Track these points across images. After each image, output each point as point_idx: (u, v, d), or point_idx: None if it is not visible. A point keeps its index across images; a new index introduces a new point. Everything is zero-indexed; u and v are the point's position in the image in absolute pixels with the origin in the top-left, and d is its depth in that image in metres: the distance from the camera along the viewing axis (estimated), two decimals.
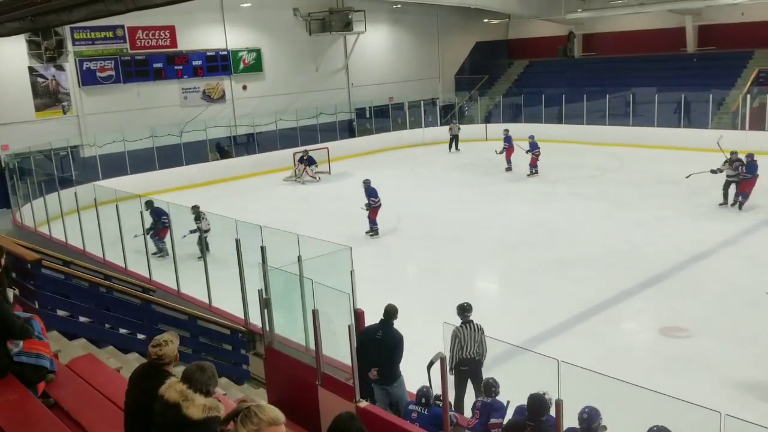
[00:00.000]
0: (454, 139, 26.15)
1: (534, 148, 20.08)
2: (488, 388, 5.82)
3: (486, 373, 6.47)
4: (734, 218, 14.17)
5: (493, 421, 5.46)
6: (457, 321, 7.00)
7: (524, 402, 5.38)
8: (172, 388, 3.34)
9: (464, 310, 6.99)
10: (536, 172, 20.18)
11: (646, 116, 24.73)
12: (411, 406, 5.90)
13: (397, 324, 6.61)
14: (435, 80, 32.18)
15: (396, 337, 6.50)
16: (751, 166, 15.02)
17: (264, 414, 2.46)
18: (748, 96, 22.92)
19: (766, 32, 25.27)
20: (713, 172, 15.43)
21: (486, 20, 32.10)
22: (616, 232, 13.86)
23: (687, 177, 15.70)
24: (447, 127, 26.92)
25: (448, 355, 6.33)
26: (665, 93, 24.63)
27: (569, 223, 14.84)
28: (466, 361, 6.83)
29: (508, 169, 21.10)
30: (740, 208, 14.96)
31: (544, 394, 5.02)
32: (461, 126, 26.89)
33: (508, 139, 21.16)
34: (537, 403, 4.88)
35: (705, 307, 9.82)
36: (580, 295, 10.36)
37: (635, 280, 10.93)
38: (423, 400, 5.79)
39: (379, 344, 6.45)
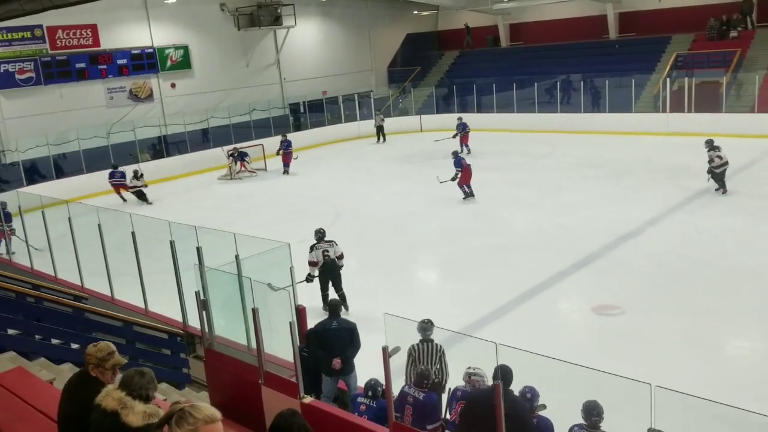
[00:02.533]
0: (380, 130, 26.31)
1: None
2: (420, 379, 5.54)
3: None
4: (659, 197, 14.78)
5: (429, 427, 5.33)
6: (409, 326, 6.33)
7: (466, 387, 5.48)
8: (110, 396, 3.25)
9: (424, 328, 6.40)
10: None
11: (573, 103, 25.51)
12: (359, 399, 5.92)
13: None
14: (368, 73, 32.23)
15: (351, 324, 6.79)
16: (456, 161, 16.29)
17: (199, 413, 2.39)
18: (668, 80, 23.92)
19: (681, 18, 26.40)
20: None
21: (415, 12, 32.35)
22: (548, 217, 14.25)
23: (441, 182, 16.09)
24: (402, 120, 27.24)
25: (404, 373, 6.21)
26: (590, 80, 25.45)
27: (503, 210, 15.17)
28: None
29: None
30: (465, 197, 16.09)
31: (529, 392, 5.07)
32: (385, 117, 27.04)
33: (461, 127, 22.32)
34: (502, 374, 4.90)
35: (635, 285, 10.22)
36: (516, 280, 10.61)
37: (568, 261, 11.27)
38: (371, 393, 5.83)
39: (336, 334, 6.63)
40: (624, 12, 28.68)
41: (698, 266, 10.78)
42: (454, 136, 22.42)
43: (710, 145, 14.69)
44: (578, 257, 11.47)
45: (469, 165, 16.29)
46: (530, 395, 4.93)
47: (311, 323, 7.13)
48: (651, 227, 12.95)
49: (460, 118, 22.89)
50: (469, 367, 5.64)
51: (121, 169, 19.27)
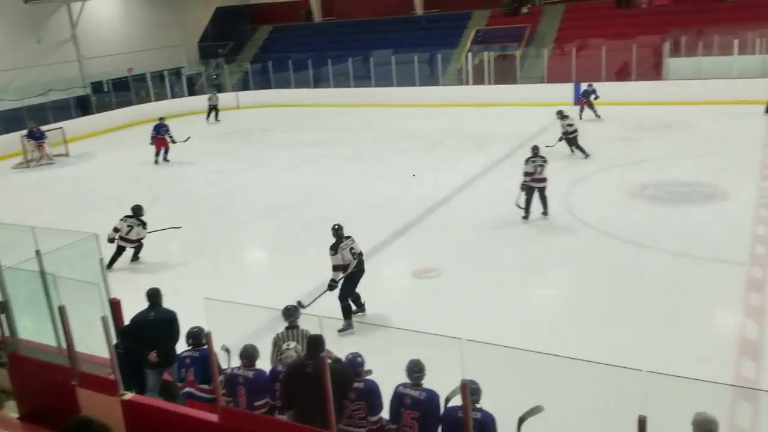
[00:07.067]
0: (213, 109, 25.37)
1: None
2: (250, 357, 5.51)
3: (254, 340, 6.47)
4: (468, 165, 15.83)
5: (257, 403, 5.31)
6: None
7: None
8: None
9: (288, 313, 6.19)
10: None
11: (386, 77, 26.28)
12: (183, 354, 5.82)
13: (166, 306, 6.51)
14: (177, 48, 30.71)
15: (171, 314, 6.43)
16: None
17: None
18: (470, 54, 25.48)
19: None
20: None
21: None
22: (370, 188, 14.71)
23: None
24: (205, 97, 26.13)
25: (269, 364, 6.04)
26: (400, 54, 26.37)
27: (327, 184, 15.38)
28: None
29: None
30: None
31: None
32: (219, 95, 26.16)
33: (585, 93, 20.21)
34: (315, 342, 4.97)
35: (450, 247, 10.90)
36: None
37: (390, 230, 11.73)
38: (191, 341, 5.81)
39: (154, 325, 6.27)
40: None
41: (505, 226, 11.73)
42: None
43: (561, 115, 15.83)
44: (399, 225, 11.98)
45: (162, 137, 18.49)
46: (360, 359, 5.11)
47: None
48: (461, 193, 13.85)
49: (590, 84, 20.30)
50: (283, 346, 5.67)
51: None
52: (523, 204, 11.68)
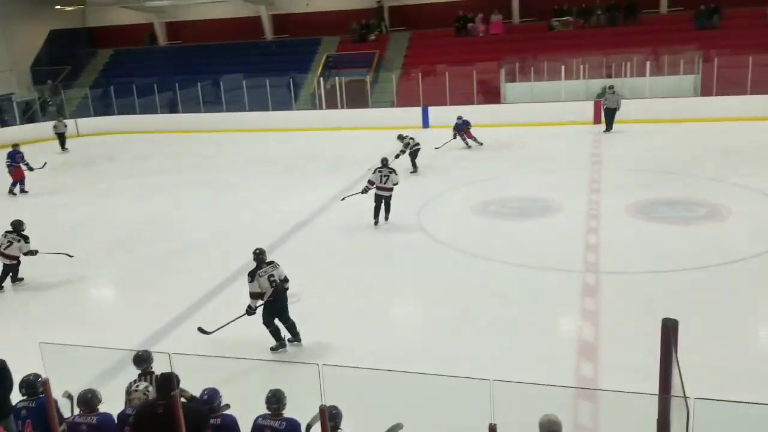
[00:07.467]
0: (60, 137, 23.57)
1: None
2: (89, 403, 5.11)
3: (101, 383, 6.08)
4: (323, 187, 15.97)
5: None
6: None
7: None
8: None
9: (139, 360, 5.79)
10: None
11: (237, 102, 25.97)
12: (18, 404, 5.32)
13: None
14: (7, 73, 28.45)
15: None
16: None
17: None
18: (321, 79, 25.84)
19: (328, 21, 28.75)
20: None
21: (58, 7, 29.48)
22: (223, 216, 14.36)
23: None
24: (46, 124, 24.33)
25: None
26: (252, 79, 26.20)
27: (178, 213, 14.84)
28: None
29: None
30: None
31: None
32: (67, 122, 24.41)
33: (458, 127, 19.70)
34: (165, 381, 4.75)
35: (308, 272, 10.88)
36: (196, 283, 10.45)
37: (246, 258, 11.41)
38: (25, 390, 5.28)
39: None
40: (277, 14, 30.12)
41: (361, 246, 11.93)
42: (454, 137, 19.83)
43: (400, 138, 17.01)
44: None
45: (20, 165, 16.97)
46: (207, 396, 4.97)
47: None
48: (318, 216, 13.93)
49: (459, 117, 19.99)
50: (130, 386, 5.39)
51: None
52: (345, 200, 13.32)
